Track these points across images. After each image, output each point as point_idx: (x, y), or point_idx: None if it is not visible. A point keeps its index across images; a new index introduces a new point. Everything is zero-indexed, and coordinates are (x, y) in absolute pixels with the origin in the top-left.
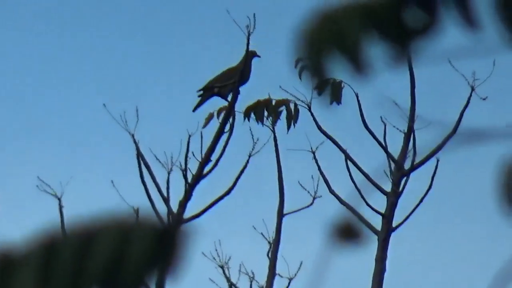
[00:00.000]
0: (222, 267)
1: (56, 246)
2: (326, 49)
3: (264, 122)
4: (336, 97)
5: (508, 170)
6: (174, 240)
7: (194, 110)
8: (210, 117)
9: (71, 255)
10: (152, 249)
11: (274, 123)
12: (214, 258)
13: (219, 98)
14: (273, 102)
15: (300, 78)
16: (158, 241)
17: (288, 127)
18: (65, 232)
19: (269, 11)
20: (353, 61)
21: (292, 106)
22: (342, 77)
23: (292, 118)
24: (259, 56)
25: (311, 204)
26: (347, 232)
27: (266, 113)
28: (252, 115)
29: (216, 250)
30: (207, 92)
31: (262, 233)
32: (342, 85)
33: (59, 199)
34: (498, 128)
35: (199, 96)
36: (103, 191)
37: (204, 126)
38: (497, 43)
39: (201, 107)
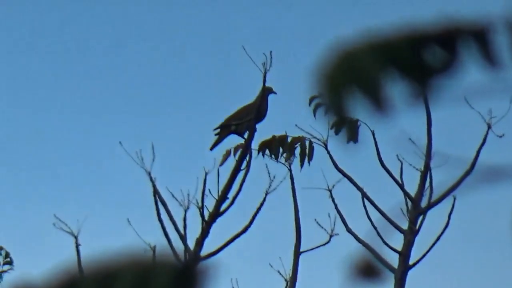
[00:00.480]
0: None
1: (75, 285)
2: (345, 87)
3: (281, 160)
4: (352, 136)
5: None
6: (193, 279)
7: (211, 149)
8: (227, 155)
9: None
10: (171, 287)
11: (287, 159)
12: None
13: (236, 135)
14: (289, 139)
15: (315, 115)
16: (177, 280)
17: (302, 164)
18: (82, 270)
19: (286, 49)
20: (372, 99)
21: (307, 143)
22: (359, 115)
23: (306, 155)
24: (275, 93)
25: (328, 242)
26: (366, 271)
27: (281, 150)
28: (267, 151)
29: None
30: (224, 130)
31: (279, 271)
32: (358, 124)
33: (76, 237)
34: None
35: (216, 134)
36: (120, 229)
37: (221, 164)
38: None
39: (219, 145)
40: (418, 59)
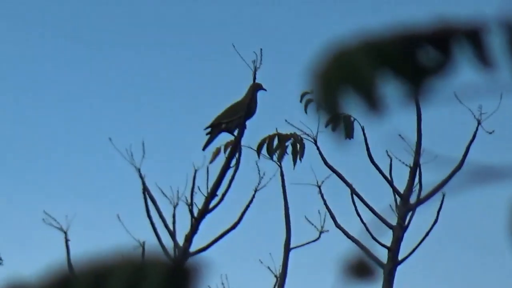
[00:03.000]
0: None
1: (66, 284)
2: (339, 86)
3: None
4: (348, 132)
5: None
6: (183, 276)
7: (204, 149)
8: (217, 152)
9: None
10: (162, 285)
11: (280, 157)
12: None
13: (226, 133)
14: (281, 137)
15: (306, 112)
16: (168, 278)
17: (294, 162)
18: (72, 267)
19: (275, 46)
20: (366, 98)
21: (298, 140)
22: (353, 112)
23: (298, 153)
24: (264, 90)
25: (318, 238)
26: (359, 270)
27: (275, 148)
28: (264, 151)
29: (223, 284)
30: (215, 129)
31: (268, 267)
32: (352, 119)
33: (65, 233)
34: (505, 165)
35: (207, 134)
36: (109, 225)
37: (211, 161)
38: (509, 81)
39: (211, 144)
40: (411, 60)
